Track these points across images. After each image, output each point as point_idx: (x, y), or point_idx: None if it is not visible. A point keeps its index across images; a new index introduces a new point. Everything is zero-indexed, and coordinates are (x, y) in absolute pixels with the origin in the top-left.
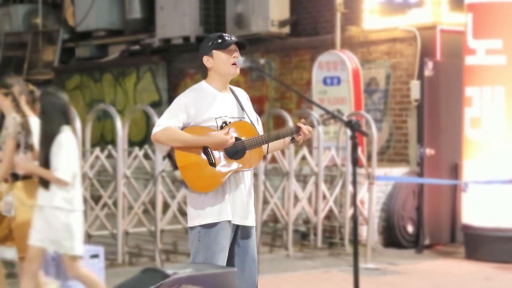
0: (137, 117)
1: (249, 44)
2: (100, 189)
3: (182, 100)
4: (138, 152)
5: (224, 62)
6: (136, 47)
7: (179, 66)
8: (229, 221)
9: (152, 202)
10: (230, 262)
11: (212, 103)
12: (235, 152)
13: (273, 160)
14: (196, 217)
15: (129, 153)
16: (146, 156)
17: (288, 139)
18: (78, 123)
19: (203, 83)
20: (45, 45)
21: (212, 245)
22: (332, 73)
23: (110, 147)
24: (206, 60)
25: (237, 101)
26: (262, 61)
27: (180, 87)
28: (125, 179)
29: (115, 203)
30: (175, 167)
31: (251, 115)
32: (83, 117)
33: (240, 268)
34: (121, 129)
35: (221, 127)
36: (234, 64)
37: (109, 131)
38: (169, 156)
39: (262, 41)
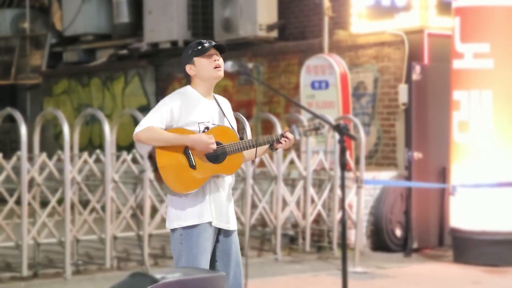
0: (125, 121)
1: (237, 48)
2: (88, 194)
3: (167, 102)
4: (126, 156)
5: (205, 67)
6: (124, 52)
7: (167, 70)
8: (210, 223)
9: (140, 207)
10: (214, 266)
11: (196, 107)
12: (216, 156)
13: (262, 164)
14: (177, 219)
15: (117, 157)
16: (134, 160)
17: (266, 146)
18: (66, 128)
19: (188, 87)
20: (32, 49)
21: (194, 248)
22: (320, 77)
23: (98, 151)
24: (189, 68)
25: (220, 108)
26: (250, 65)
27: (168, 91)
28: (113, 183)
29: (103, 208)
30: (155, 168)
31: (232, 123)
32: (71, 121)
33: (225, 273)
34: (109, 133)
35: (203, 132)
36: (215, 67)
37: (97, 135)
38: (150, 157)
39: (250, 45)
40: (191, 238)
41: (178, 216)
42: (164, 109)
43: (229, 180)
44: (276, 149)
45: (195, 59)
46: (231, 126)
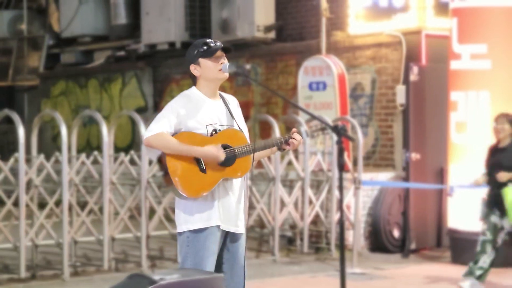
0: (122, 122)
1: (234, 50)
2: (86, 195)
3: (174, 105)
4: (124, 157)
5: (211, 69)
6: (122, 53)
7: (164, 71)
8: (218, 227)
9: (138, 208)
10: (219, 268)
11: (202, 109)
12: (226, 159)
13: (259, 165)
14: (185, 222)
15: (115, 158)
16: (132, 161)
17: (275, 147)
18: (63, 129)
19: (193, 89)
20: (30, 51)
21: (200, 250)
22: (318, 78)
23: (96, 153)
24: (194, 68)
25: (227, 108)
26: (247, 66)
27: (166, 93)
28: (111, 185)
29: (101, 209)
30: (165, 172)
31: (241, 122)
32: (69, 123)
33: (229, 275)
34: (106, 135)
35: (211, 135)
36: (221, 70)
37: (94, 137)
38: (160, 160)
39: (248, 46)
40: (198, 241)
41: (186, 219)
42: (172, 113)
43: (238, 182)
44: (284, 149)
45: (201, 60)
46: (239, 128)
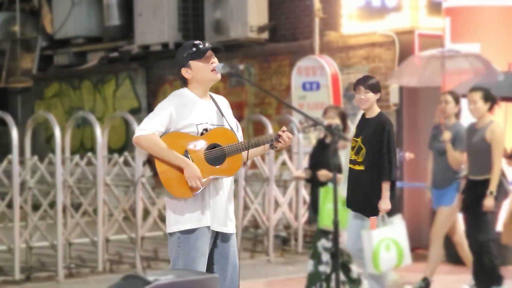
0: (116, 124)
1: (228, 50)
2: (80, 197)
3: (165, 105)
4: (118, 159)
5: (203, 71)
6: (115, 54)
7: (158, 72)
8: (208, 227)
9: (133, 209)
10: (211, 269)
11: (194, 109)
12: (215, 158)
13: (254, 165)
14: (175, 223)
15: (109, 160)
16: (126, 163)
17: (267, 145)
18: (57, 131)
19: (185, 89)
20: (23, 52)
21: (191, 251)
22: (311, 78)
23: (89, 154)
24: (185, 71)
25: (217, 108)
26: (241, 66)
27: (159, 94)
28: (105, 186)
29: (95, 211)
30: (154, 172)
31: (231, 122)
32: (63, 124)
33: (221, 275)
34: (100, 136)
35: (202, 134)
36: (213, 70)
37: (88, 138)
38: (149, 161)
39: (241, 47)
40: (189, 241)
41: (177, 220)
42: (164, 113)
43: (228, 181)
44: (276, 147)
45: (191, 62)
46: (230, 126)
